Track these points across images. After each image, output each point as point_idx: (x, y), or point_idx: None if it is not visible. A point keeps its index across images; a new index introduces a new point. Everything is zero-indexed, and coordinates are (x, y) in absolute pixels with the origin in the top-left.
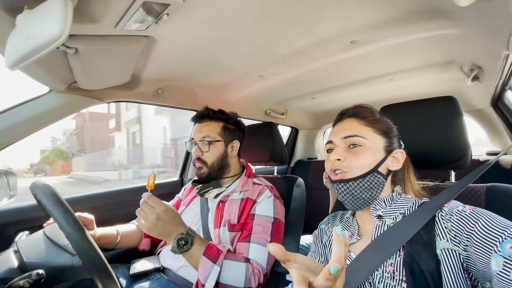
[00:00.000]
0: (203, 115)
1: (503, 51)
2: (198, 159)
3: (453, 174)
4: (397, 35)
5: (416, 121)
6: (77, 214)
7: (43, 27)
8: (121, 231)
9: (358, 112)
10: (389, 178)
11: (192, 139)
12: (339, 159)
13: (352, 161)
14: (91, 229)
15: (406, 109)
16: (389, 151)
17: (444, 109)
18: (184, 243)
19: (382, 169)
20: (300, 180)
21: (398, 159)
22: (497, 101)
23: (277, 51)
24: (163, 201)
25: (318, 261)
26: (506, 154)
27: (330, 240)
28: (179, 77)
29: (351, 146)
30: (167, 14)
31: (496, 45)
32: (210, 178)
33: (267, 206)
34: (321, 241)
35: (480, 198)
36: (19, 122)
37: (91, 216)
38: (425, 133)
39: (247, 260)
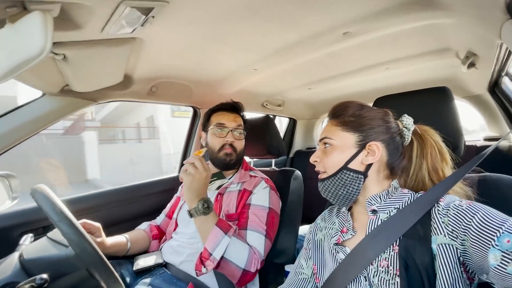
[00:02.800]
0: (234, 108)
1: (496, 40)
2: (231, 145)
3: None
4: (390, 26)
5: (410, 112)
6: (82, 221)
7: (24, 42)
8: (130, 238)
9: (333, 113)
10: (382, 171)
11: (223, 124)
12: (316, 161)
13: (323, 161)
14: (99, 237)
15: (399, 100)
16: (362, 145)
17: (437, 99)
18: (207, 205)
19: (355, 165)
20: (297, 172)
21: (373, 151)
22: (494, 87)
23: (270, 45)
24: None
25: (308, 259)
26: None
27: (325, 238)
28: (173, 74)
29: (324, 147)
30: (153, 17)
31: (489, 34)
32: (235, 164)
33: (262, 197)
34: (314, 238)
35: (472, 188)
36: (15, 128)
37: (97, 224)
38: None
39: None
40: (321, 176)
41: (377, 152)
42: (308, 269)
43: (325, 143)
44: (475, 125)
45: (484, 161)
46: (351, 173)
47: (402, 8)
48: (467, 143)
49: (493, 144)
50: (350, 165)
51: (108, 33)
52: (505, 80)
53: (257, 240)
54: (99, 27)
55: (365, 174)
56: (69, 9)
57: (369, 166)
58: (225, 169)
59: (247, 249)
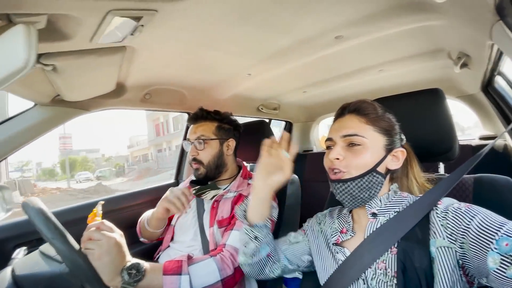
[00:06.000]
0: (198, 116)
1: (487, 41)
2: (194, 159)
3: (442, 165)
4: (381, 29)
5: (403, 115)
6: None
7: (8, 55)
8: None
9: (359, 108)
10: (388, 176)
11: (188, 139)
12: (337, 158)
13: (351, 160)
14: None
15: (393, 103)
16: (389, 149)
17: (430, 101)
18: (136, 270)
19: (381, 168)
20: (294, 177)
21: (398, 157)
22: (487, 86)
23: (262, 50)
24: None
25: (302, 239)
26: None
27: (323, 231)
28: (166, 81)
29: (350, 145)
30: (142, 25)
31: (480, 35)
32: (208, 178)
33: None
34: (313, 227)
35: (468, 189)
36: (6, 139)
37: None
38: (413, 126)
39: (219, 250)
40: (342, 176)
41: (401, 159)
42: (295, 238)
43: (353, 142)
44: (470, 122)
45: (480, 161)
46: (379, 176)
47: (392, 11)
48: (462, 143)
49: (489, 143)
50: (378, 168)
51: (98, 43)
52: (498, 79)
53: (238, 238)
54: (87, 37)
55: (385, 178)
56: (56, 20)
57: (388, 171)
58: (211, 180)
59: (212, 262)
